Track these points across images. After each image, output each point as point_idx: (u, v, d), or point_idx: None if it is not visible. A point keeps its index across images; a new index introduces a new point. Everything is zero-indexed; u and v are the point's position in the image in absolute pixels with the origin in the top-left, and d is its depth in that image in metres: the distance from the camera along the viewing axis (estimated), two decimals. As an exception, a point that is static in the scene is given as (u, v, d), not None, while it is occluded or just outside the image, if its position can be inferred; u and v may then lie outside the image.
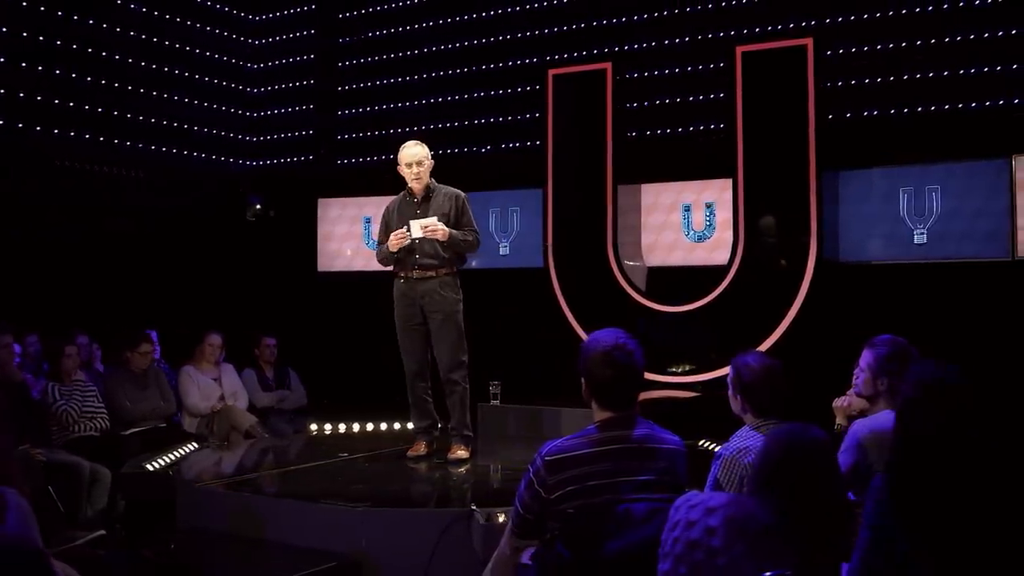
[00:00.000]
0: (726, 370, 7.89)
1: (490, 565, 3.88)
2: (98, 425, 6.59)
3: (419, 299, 5.86)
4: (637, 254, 8.78)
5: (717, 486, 3.49)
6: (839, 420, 4.62)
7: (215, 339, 7.52)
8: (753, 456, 3.45)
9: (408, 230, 5.71)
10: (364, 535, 4.48)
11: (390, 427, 7.51)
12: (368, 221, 9.94)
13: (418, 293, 5.86)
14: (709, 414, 7.36)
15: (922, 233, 7.67)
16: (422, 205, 5.95)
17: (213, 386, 7.40)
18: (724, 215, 8.44)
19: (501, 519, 4.38)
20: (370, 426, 7.51)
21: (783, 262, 7.84)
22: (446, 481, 5.55)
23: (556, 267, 8.59)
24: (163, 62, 9.77)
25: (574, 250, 8.52)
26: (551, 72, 8.73)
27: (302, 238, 10.01)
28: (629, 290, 8.35)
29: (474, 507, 4.51)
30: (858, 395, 4.12)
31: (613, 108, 8.38)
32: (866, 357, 4.03)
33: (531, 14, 9.54)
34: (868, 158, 7.84)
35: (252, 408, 7.56)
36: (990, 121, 7.56)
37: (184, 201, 9.65)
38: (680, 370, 8.21)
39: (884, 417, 3.87)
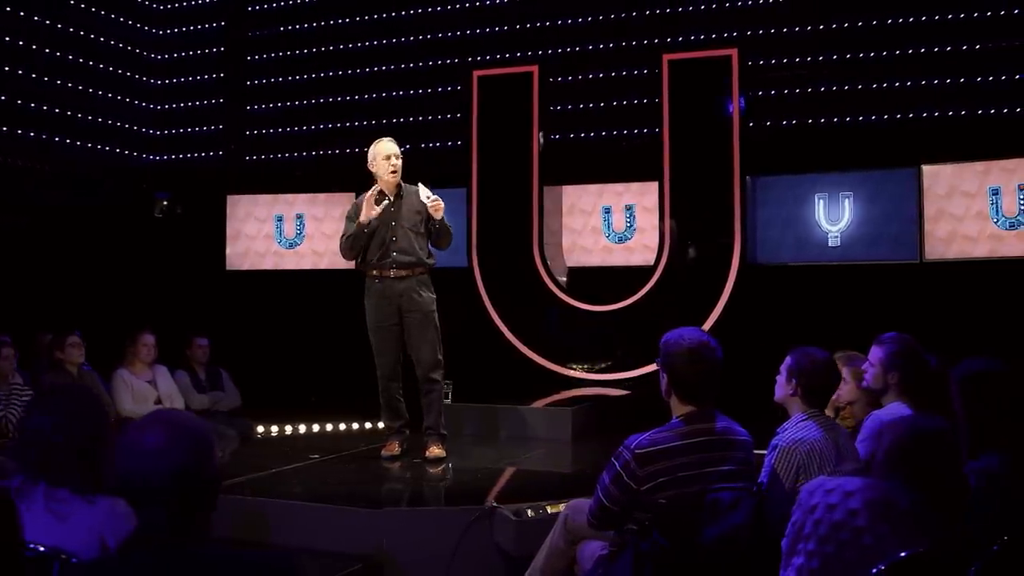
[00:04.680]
0: (650, 368, 8.25)
1: (540, 560, 3.96)
2: (37, 431, 6.23)
3: (397, 299, 5.83)
4: (558, 255, 8.96)
5: (773, 475, 3.66)
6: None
7: (148, 339, 7.19)
8: (809, 447, 3.67)
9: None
10: (385, 536, 4.46)
11: (336, 427, 7.42)
12: (280, 219, 9.74)
13: (396, 292, 5.83)
14: (638, 412, 7.64)
15: (836, 237, 8.14)
16: (395, 202, 5.93)
17: (148, 389, 7.10)
18: (643, 217, 8.73)
19: (530, 514, 4.45)
20: (316, 427, 7.40)
21: (688, 261, 8.17)
22: (447, 480, 5.54)
23: (480, 267, 8.66)
24: (64, 49, 9.29)
25: (499, 250, 8.61)
26: (476, 73, 8.77)
27: (210, 236, 9.70)
28: (555, 290, 8.51)
29: (494, 503, 4.56)
30: (866, 388, 4.39)
31: (540, 111, 8.52)
32: (875, 353, 4.30)
33: (451, 15, 9.56)
34: (785, 165, 8.25)
35: (188, 411, 7.29)
36: (900, 132, 8.11)
37: (87, 196, 9.20)
38: (603, 367, 8.43)
39: (897, 408, 4.15)
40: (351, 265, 9.45)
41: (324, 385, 9.01)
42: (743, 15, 8.53)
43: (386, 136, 6.02)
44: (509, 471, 5.77)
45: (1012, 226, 7.55)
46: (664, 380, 3.42)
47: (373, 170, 5.94)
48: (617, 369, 8.35)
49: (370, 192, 5.92)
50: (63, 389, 2.98)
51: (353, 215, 5.97)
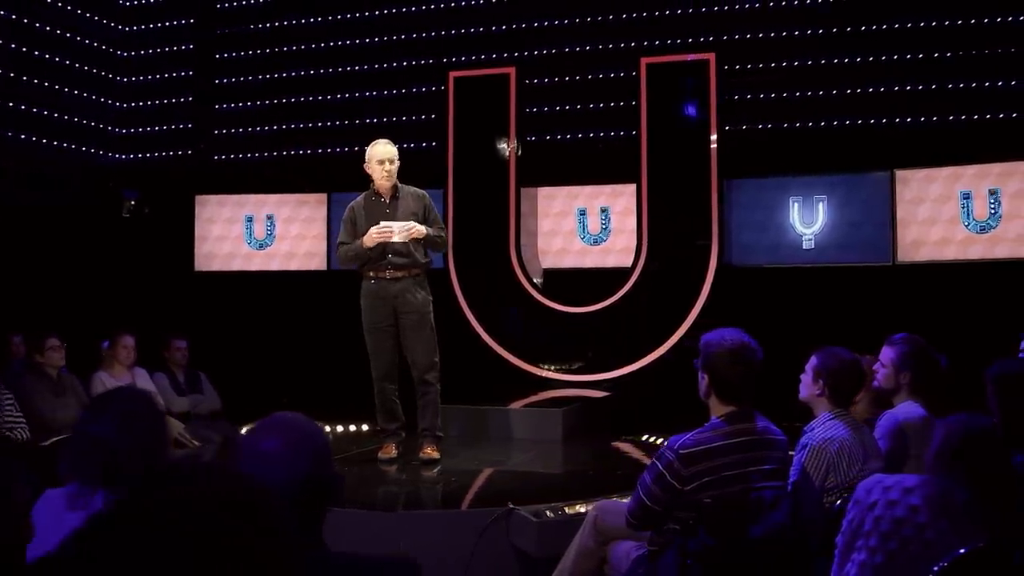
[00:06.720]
0: (629, 369, 8.28)
1: (569, 561, 3.97)
2: (18, 436, 6.07)
3: (392, 299, 5.79)
4: (533, 256, 8.97)
5: (804, 474, 3.71)
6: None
7: (128, 341, 7.03)
8: (838, 445, 3.73)
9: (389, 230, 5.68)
10: (401, 539, 4.43)
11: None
12: (250, 220, 9.61)
13: (391, 293, 5.80)
14: (623, 412, 7.70)
15: (810, 239, 8.27)
16: (391, 205, 5.90)
17: (128, 392, 6.96)
18: (618, 220, 8.79)
19: (549, 515, 4.45)
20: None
21: (655, 264, 8.25)
22: (451, 482, 5.48)
23: (456, 269, 8.63)
24: (30, 45, 9.04)
25: (475, 252, 8.59)
26: (452, 74, 8.73)
27: (179, 237, 9.53)
28: (532, 291, 8.52)
29: (511, 505, 4.55)
30: (876, 388, 4.46)
31: (517, 113, 8.52)
32: (887, 353, 4.37)
33: (427, 15, 9.51)
34: (760, 168, 8.35)
35: (168, 414, 7.14)
36: (874, 137, 8.27)
37: (52, 195, 8.97)
38: (579, 367, 8.45)
39: (909, 407, 4.24)
40: (323, 267, 9.47)
41: (297, 387, 8.90)
42: (721, 19, 8.62)
43: (382, 139, 6.01)
44: (508, 473, 5.77)
45: (983, 230, 7.73)
46: (704, 381, 3.45)
47: (368, 172, 5.90)
48: (595, 370, 8.38)
49: (363, 196, 5.94)
50: (116, 393, 2.92)
51: (352, 219, 5.91)
